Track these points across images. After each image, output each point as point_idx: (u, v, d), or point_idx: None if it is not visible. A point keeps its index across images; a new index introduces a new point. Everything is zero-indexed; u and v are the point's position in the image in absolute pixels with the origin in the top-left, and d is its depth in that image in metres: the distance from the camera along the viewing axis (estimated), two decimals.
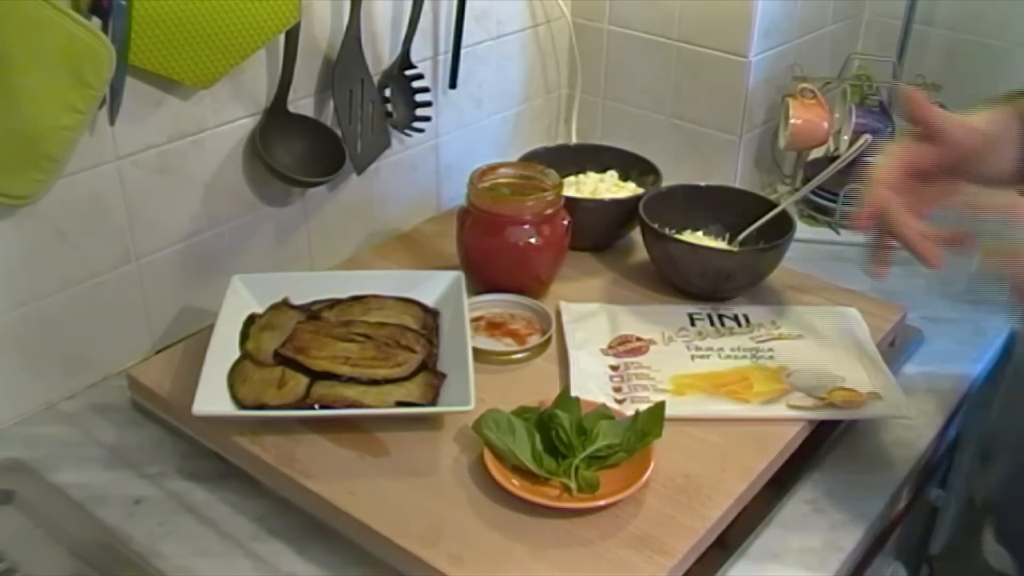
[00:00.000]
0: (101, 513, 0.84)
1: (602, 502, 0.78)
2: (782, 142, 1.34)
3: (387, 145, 1.16)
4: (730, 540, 0.82)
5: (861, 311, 1.06)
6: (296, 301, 0.99)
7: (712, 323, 1.04)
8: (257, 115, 1.04)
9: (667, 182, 1.19)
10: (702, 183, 1.19)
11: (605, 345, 1.00)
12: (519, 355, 0.98)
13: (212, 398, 0.84)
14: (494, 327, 1.02)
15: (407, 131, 1.17)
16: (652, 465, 0.81)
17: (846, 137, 1.36)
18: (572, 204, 1.09)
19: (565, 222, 1.06)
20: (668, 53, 1.33)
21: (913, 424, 0.92)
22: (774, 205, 1.12)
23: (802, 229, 1.28)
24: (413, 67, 1.15)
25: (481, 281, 1.06)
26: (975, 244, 0.81)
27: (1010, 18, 1.40)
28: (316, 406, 0.85)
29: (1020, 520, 0.87)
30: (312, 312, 0.98)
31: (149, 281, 1.01)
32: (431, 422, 0.88)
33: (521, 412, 0.85)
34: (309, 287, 1.01)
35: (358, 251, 1.21)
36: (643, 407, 0.85)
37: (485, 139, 1.35)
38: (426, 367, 0.91)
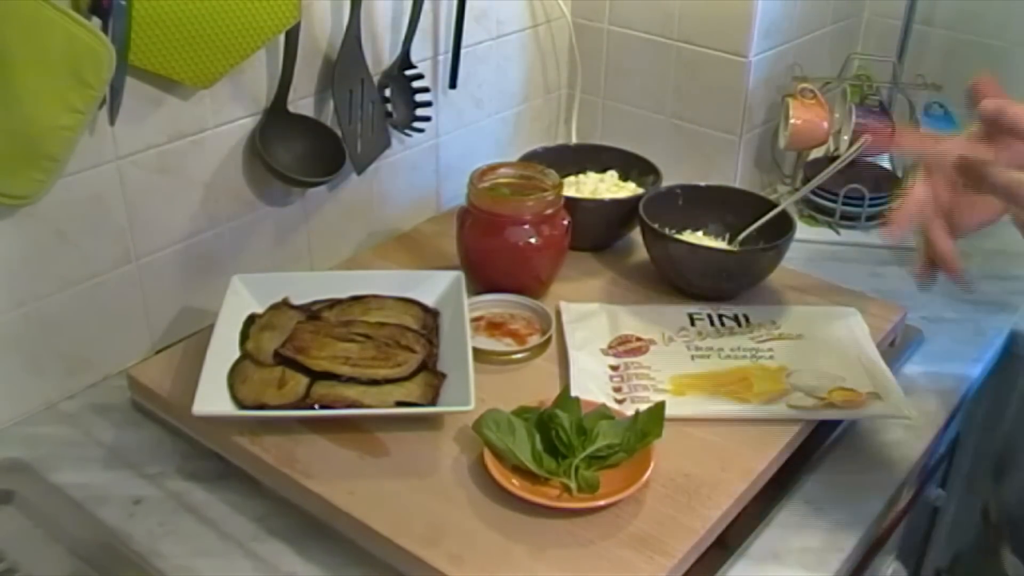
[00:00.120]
0: (101, 513, 0.84)
1: (602, 502, 0.78)
2: (782, 142, 1.34)
3: (387, 145, 1.16)
4: (730, 540, 0.82)
5: (861, 311, 1.06)
6: (296, 301, 0.99)
7: (712, 323, 1.04)
8: (257, 115, 1.04)
9: (667, 182, 1.18)
10: (702, 183, 1.19)
11: (605, 345, 1.00)
12: (519, 355, 0.98)
13: (212, 398, 0.84)
14: (494, 327, 1.02)
15: (407, 131, 1.17)
16: (652, 465, 0.81)
17: (846, 137, 1.36)
18: (572, 204, 1.09)
19: (565, 222, 1.06)
20: (668, 53, 1.33)
21: (913, 424, 0.92)
22: (774, 205, 1.12)
23: (802, 229, 1.28)
24: (413, 67, 1.15)
25: (481, 281, 1.06)
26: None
27: (1010, 18, 1.40)
28: (316, 406, 0.85)
29: None
30: (312, 312, 0.98)
31: (149, 281, 1.01)
32: (431, 422, 0.88)
33: (521, 412, 0.85)
34: (309, 287, 1.01)
35: (358, 251, 1.21)
36: (643, 407, 0.85)
37: (485, 139, 1.35)
38: (426, 367, 0.91)
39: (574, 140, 1.45)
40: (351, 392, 0.87)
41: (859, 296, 1.11)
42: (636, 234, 1.15)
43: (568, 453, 0.81)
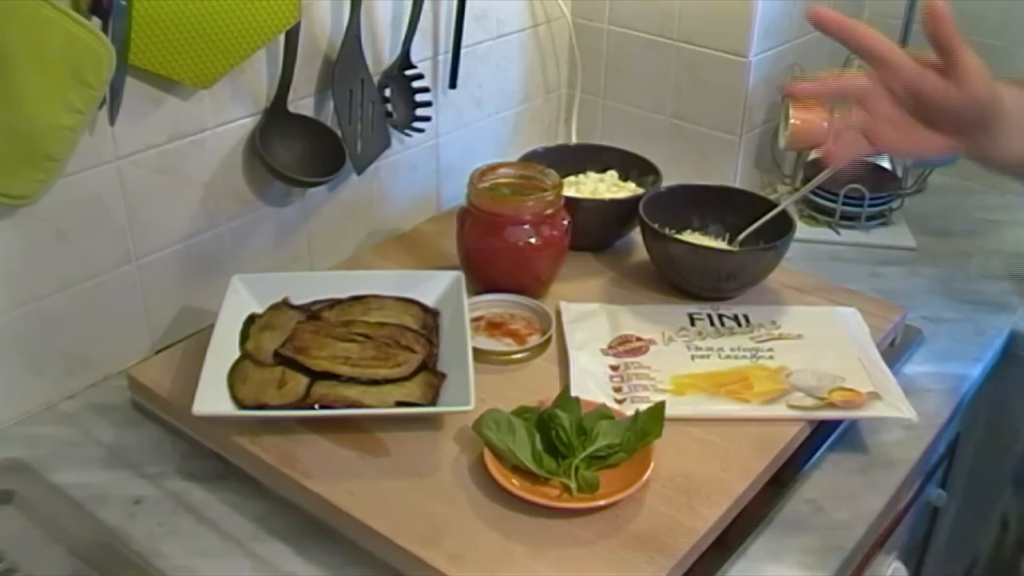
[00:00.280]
0: (101, 513, 0.84)
1: (602, 502, 0.78)
2: (782, 142, 1.34)
3: (387, 145, 1.16)
4: (730, 540, 0.82)
5: (861, 311, 1.06)
6: (296, 301, 0.99)
7: (712, 323, 1.04)
8: (257, 115, 1.04)
9: (667, 182, 1.18)
10: (702, 183, 1.19)
11: (605, 345, 1.00)
12: (519, 355, 0.98)
13: (212, 398, 0.84)
14: (494, 327, 1.02)
15: (407, 131, 1.17)
16: (652, 465, 0.81)
17: None
18: (572, 204, 1.09)
19: (565, 222, 1.06)
20: (668, 53, 1.33)
21: (913, 424, 0.92)
22: (774, 205, 1.12)
23: (802, 229, 1.28)
24: (413, 67, 1.15)
25: (481, 281, 1.06)
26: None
27: (1010, 18, 1.40)
28: (316, 406, 0.85)
29: None
30: (312, 312, 0.98)
31: (149, 281, 1.01)
32: (431, 422, 0.88)
33: (521, 412, 0.85)
34: (309, 287, 1.01)
35: (358, 251, 1.21)
36: (643, 407, 0.85)
37: (485, 139, 1.35)
38: (426, 367, 0.91)
39: (574, 140, 1.45)
40: (351, 392, 0.87)
41: (859, 296, 1.11)
42: (636, 234, 1.15)
43: (568, 453, 0.81)
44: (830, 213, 1.34)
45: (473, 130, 1.32)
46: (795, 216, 1.14)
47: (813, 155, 1.40)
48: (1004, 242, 1.35)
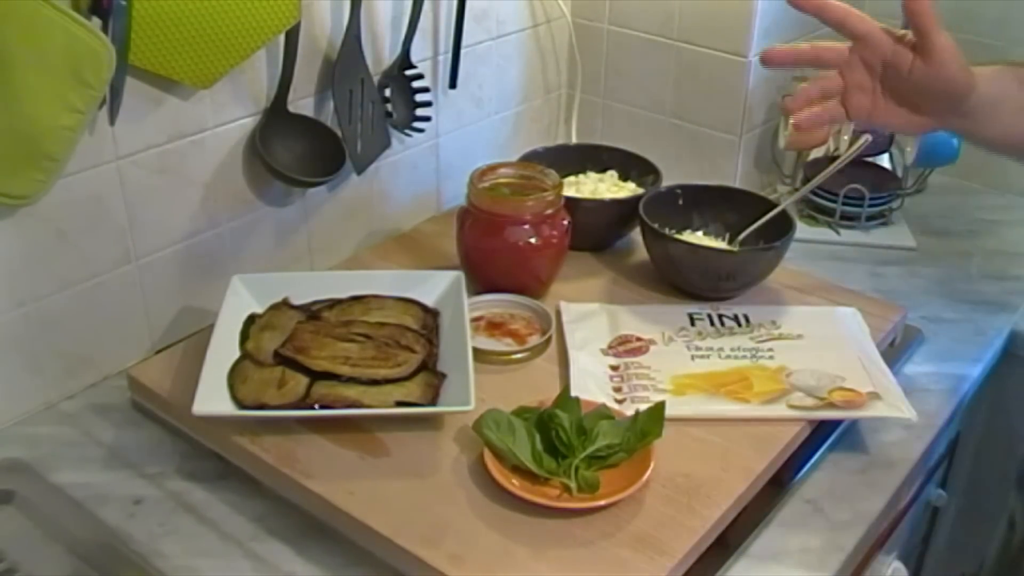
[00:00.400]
0: (101, 513, 0.84)
1: (602, 502, 0.78)
2: (782, 142, 1.34)
3: (387, 145, 1.16)
4: (730, 540, 0.82)
5: (861, 311, 1.06)
6: (296, 301, 0.99)
7: (712, 323, 1.04)
8: (257, 115, 1.04)
9: (667, 182, 1.18)
10: (702, 183, 1.19)
11: (605, 345, 1.00)
12: (519, 355, 0.98)
13: (212, 398, 0.84)
14: (494, 327, 1.02)
15: (407, 131, 1.17)
16: (652, 465, 0.81)
17: (846, 137, 1.36)
18: (572, 204, 1.09)
19: (565, 222, 1.06)
20: (668, 53, 1.33)
21: (913, 424, 0.92)
22: (774, 205, 1.12)
23: (802, 229, 1.28)
24: (413, 67, 1.15)
25: (481, 281, 1.06)
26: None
27: (1008, 17, 1.40)
28: (316, 406, 0.85)
29: None
30: (312, 312, 0.98)
31: (149, 281, 1.01)
32: (431, 422, 0.88)
33: (521, 412, 0.85)
34: (309, 287, 1.01)
35: (358, 251, 1.21)
36: (643, 407, 0.85)
37: (485, 139, 1.35)
38: (426, 367, 0.91)
39: (574, 140, 1.45)
40: (351, 392, 0.87)
41: (859, 296, 1.11)
42: (636, 234, 1.15)
43: (568, 453, 0.81)
44: (830, 213, 1.34)
45: (473, 130, 1.32)
46: (795, 216, 1.14)
47: (813, 155, 1.40)
48: (1004, 242, 1.35)
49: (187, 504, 0.85)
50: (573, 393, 0.87)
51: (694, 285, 1.08)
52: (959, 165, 1.41)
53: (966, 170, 1.46)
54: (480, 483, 0.81)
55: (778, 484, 0.88)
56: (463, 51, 1.21)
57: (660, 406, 0.84)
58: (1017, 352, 1.17)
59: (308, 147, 1.07)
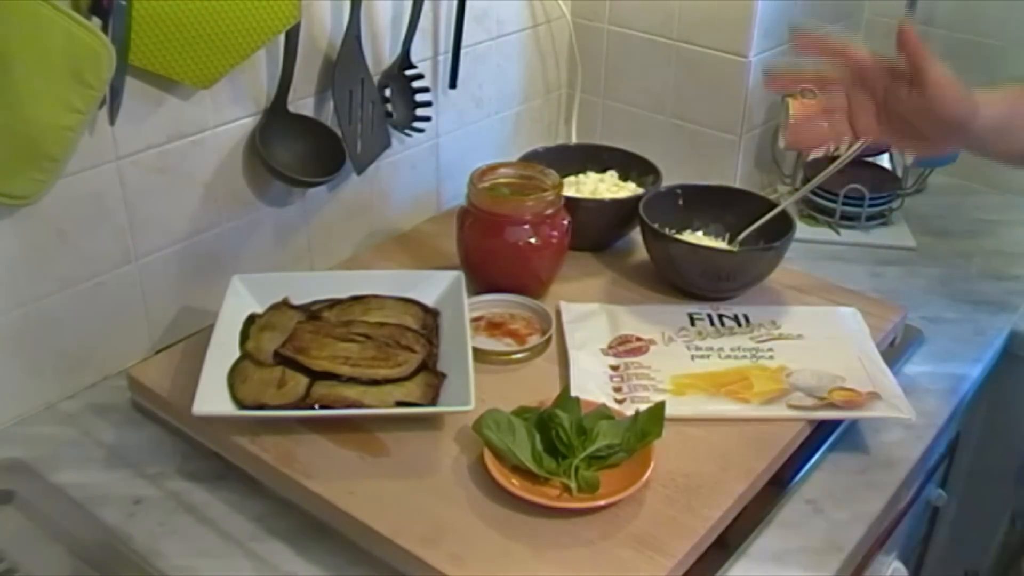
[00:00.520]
0: (101, 513, 0.84)
1: (602, 502, 0.78)
2: (782, 142, 1.34)
3: (387, 145, 1.16)
4: (730, 540, 0.82)
5: (861, 311, 1.06)
6: (296, 301, 0.99)
7: (712, 323, 1.04)
8: (257, 115, 1.04)
9: (667, 182, 1.18)
10: (702, 183, 1.19)
11: (605, 345, 1.00)
12: (519, 355, 0.98)
13: (212, 398, 0.84)
14: (494, 327, 1.02)
15: (407, 131, 1.17)
16: (652, 465, 0.81)
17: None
18: (572, 204, 1.09)
19: (565, 222, 1.06)
20: (668, 53, 1.33)
21: (913, 424, 0.92)
22: (774, 205, 1.12)
23: (802, 229, 1.28)
24: (413, 67, 1.15)
25: (481, 281, 1.06)
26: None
27: (1009, 17, 1.40)
28: (316, 406, 0.85)
29: None
30: (312, 312, 0.98)
31: (149, 281, 1.01)
32: (431, 422, 0.88)
33: (521, 412, 0.85)
34: (309, 287, 1.01)
35: (358, 251, 1.21)
36: (643, 407, 0.85)
37: (485, 139, 1.35)
38: (426, 367, 0.91)
39: (574, 140, 1.45)
40: (351, 392, 0.87)
41: (859, 296, 1.11)
42: (636, 234, 1.15)
43: (568, 453, 0.81)
44: (830, 213, 1.34)
45: (473, 130, 1.32)
46: (795, 216, 1.14)
47: (813, 155, 1.40)
48: (1004, 242, 1.35)
49: (187, 504, 0.85)
50: (573, 393, 0.87)
51: (694, 285, 1.08)
52: (959, 165, 1.41)
53: (966, 170, 1.46)
54: (480, 483, 0.81)
55: (778, 484, 0.88)
56: (463, 51, 1.21)
57: (660, 406, 0.84)
58: (1017, 352, 1.17)
59: (308, 147, 1.07)
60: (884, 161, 1.42)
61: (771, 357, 0.98)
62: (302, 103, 1.07)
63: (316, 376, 0.88)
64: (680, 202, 1.16)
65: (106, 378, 1.00)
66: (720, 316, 1.05)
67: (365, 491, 0.80)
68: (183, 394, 0.87)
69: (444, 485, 0.81)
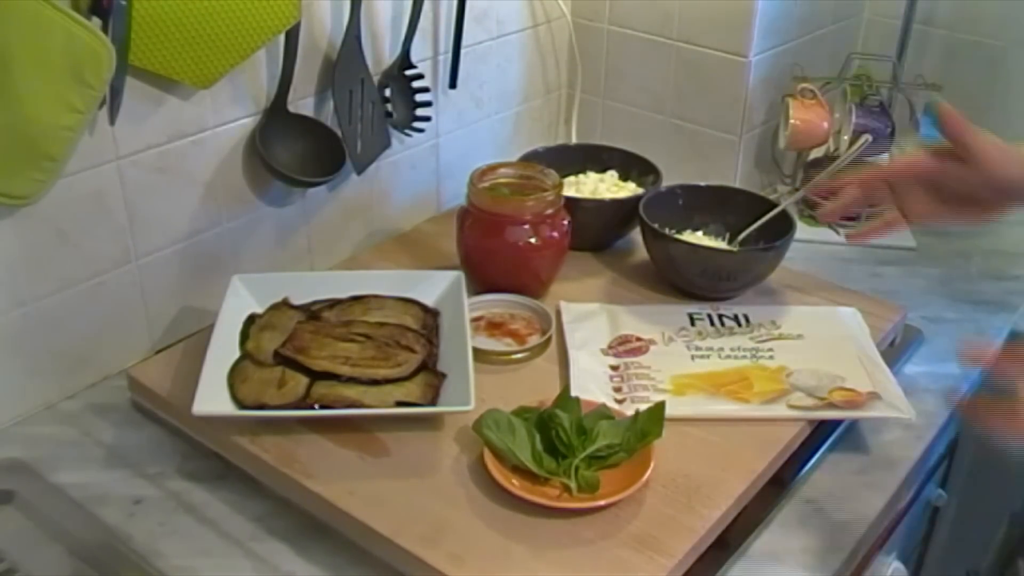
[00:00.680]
0: (101, 513, 0.84)
1: (602, 502, 0.78)
2: (782, 142, 1.34)
3: (387, 145, 1.16)
4: (730, 540, 0.82)
5: (861, 311, 1.06)
6: (296, 301, 0.99)
7: (712, 323, 1.04)
8: (257, 115, 1.04)
9: (667, 182, 1.18)
10: (702, 183, 1.19)
11: (605, 345, 1.00)
12: (519, 355, 0.98)
13: (212, 398, 0.84)
14: (494, 327, 1.02)
15: (407, 131, 1.17)
16: (652, 465, 0.81)
17: (846, 137, 1.36)
18: (572, 204, 1.09)
19: (565, 222, 1.06)
20: (668, 53, 1.33)
21: (913, 424, 0.92)
22: (774, 205, 1.12)
23: (802, 229, 1.28)
24: (413, 67, 1.15)
25: (481, 281, 1.06)
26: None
27: (1009, 17, 1.40)
28: (316, 406, 0.85)
29: None
30: (312, 312, 0.98)
31: (149, 281, 1.01)
32: (431, 422, 0.88)
33: (521, 412, 0.85)
34: (309, 287, 1.01)
35: (358, 251, 1.21)
36: (643, 407, 0.85)
37: (485, 139, 1.35)
38: (426, 367, 0.91)
39: (574, 140, 1.45)
40: (351, 392, 0.87)
41: (859, 296, 1.11)
42: (636, 234, 1.15)
43: (568, 453, 0.81)
44: None
45: (473, 130, 1.32)
46: (795, 216, 1.14)
47: (813, 155, 1.40)
48: (1004, 242, 1.35)
49: (187, 504, 0.85)
50: (573, 393, 0.87)
51: (694, 285, 1.08)
52: None
53: None
54: (480, 483, 0.81)
55: (778, 484, 0.88)
56: (463, 51, 1.21)
57: (660, 406, 0.84)
58: None
59: (308, 147, 1.07)
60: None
61: (771, 357, 0.98)
62: (302, 103, 1.07)
63: (316, 376, 0.88)
64: (680, 202, 1.16)
65: (106, 378, 1.00)
66: (720, 316, 1.05)
67: (365, 491, 0.80)
68: (183, 394, 0.87)
69: (444, 485, 0.81)
